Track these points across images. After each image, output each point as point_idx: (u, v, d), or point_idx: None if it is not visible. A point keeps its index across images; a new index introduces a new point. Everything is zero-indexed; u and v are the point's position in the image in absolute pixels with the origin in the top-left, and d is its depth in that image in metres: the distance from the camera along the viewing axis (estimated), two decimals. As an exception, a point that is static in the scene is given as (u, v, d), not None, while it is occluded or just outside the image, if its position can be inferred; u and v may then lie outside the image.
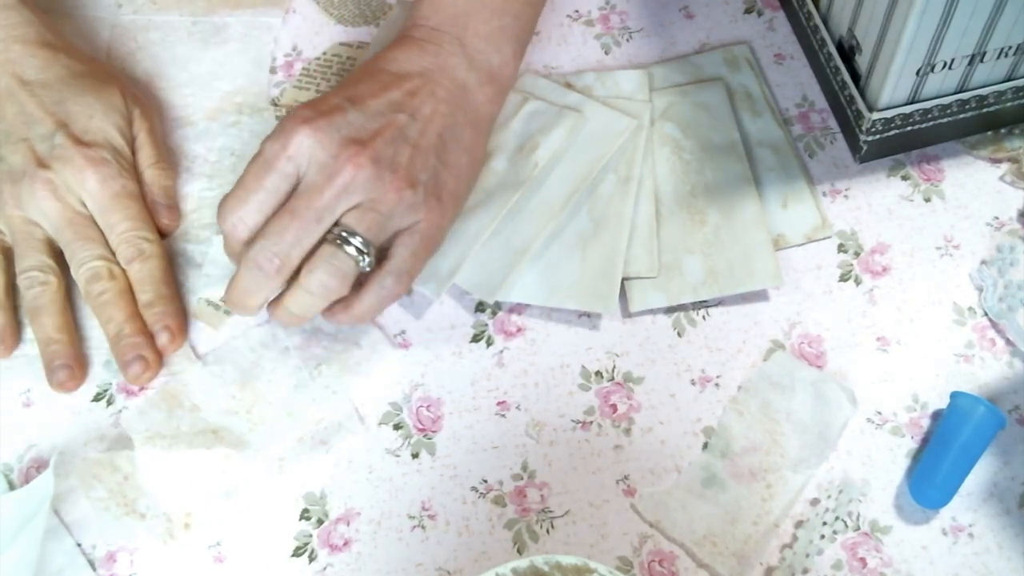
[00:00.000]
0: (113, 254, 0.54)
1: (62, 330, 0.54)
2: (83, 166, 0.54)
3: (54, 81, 0.56)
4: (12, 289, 0.55)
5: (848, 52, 0.56)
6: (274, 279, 0.48)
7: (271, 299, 0.50)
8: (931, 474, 0.48)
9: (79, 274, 0.54)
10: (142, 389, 0.54)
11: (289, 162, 0.48)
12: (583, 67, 0.63)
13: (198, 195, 0.59)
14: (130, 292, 0.54)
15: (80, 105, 0.56)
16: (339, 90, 0.51)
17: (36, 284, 0.54)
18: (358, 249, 0.48)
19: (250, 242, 0.48)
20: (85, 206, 0.54)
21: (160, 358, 0.54)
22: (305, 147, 0.48)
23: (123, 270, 0.54)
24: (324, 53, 0.65)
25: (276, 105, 0.62)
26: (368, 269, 0.49)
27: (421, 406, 0.53)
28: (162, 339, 0.54)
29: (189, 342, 0.55)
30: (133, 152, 0.57)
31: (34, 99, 0.55)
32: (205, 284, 0.56)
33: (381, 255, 0.50)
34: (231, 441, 0.51)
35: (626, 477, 0.50)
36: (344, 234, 0.48)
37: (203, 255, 0.57)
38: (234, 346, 0.55)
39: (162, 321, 0.54)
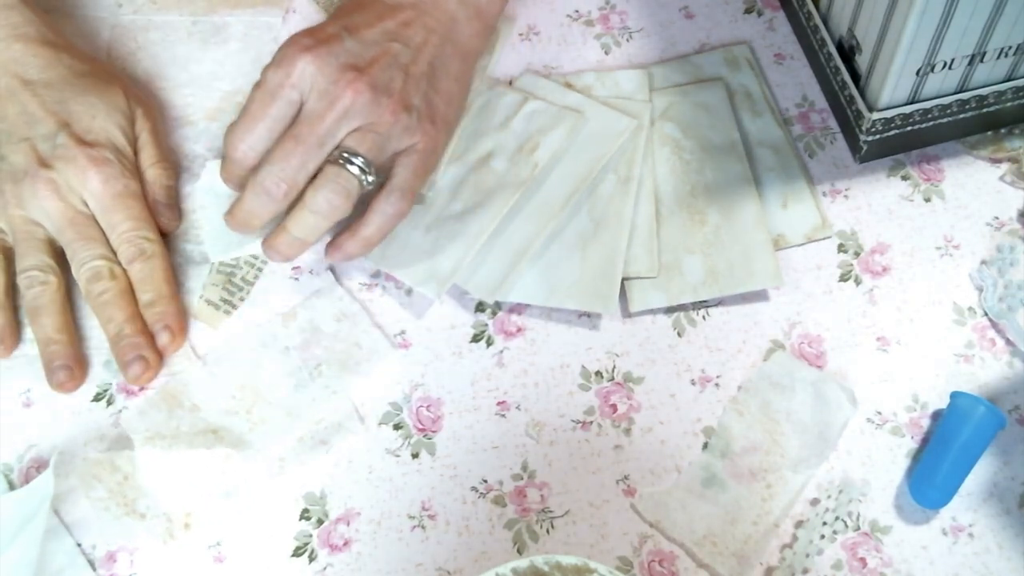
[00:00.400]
0: (114, 254, 0.55)
1: (62, 330, 0.54)
2: (86, 166, 0.54)
3: (56, 81, 0.56)
4: (12, 289, 0.55)
5: (848, 52, 0.56)
6: (281, 203, 0.51)
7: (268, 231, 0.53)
8: (931, 474, 0.48)
9: (80, 273, 0.54)
10: (142, 389, 0.54)
11: (292, 89, 0.50)
12: (583, 67, 0.63)
13: (198, 195, 0.59)
14: (131, 292, 0.54)
15: (83, 105, 0.56)
16: (335, 19, 0.53)
17: (36, 284, 0.54)
18: (361, 168, 0.51)
19: (256, 168, 0.51)
20: (87, 206, 0.54)
21: (160, 358, 0.54)
22: (307, 74, 0.50)
23: (124, 270, 0.54)
24: (324, 53, 0.64)
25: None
26: (370, 187, 0.52)
27: (421, 406, 0.53)
28: (163, 339, 0.54)
29: (189, 342, 0.55)
30: (135, 152, 0.57)
31: (36, 99, 0.55)
32: (201, 208, 0.57)
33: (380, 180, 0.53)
34: (231, 441, 0.51)
35: (626, 477, 0.50)
36: (347, 155, 0.51)
37: (203, 255, 0.57)
38: (234, 346, 0.55)
39: (163, 321, 0.54)
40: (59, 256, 0.55)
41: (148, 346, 0.53)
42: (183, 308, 0.55)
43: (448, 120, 0.55)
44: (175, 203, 0.58)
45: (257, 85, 0.51)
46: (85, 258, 0.54)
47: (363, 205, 0.52)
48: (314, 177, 0.51)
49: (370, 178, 0.51)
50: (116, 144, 0.56)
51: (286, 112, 0.51)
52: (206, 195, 0.57)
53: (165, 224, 0.57)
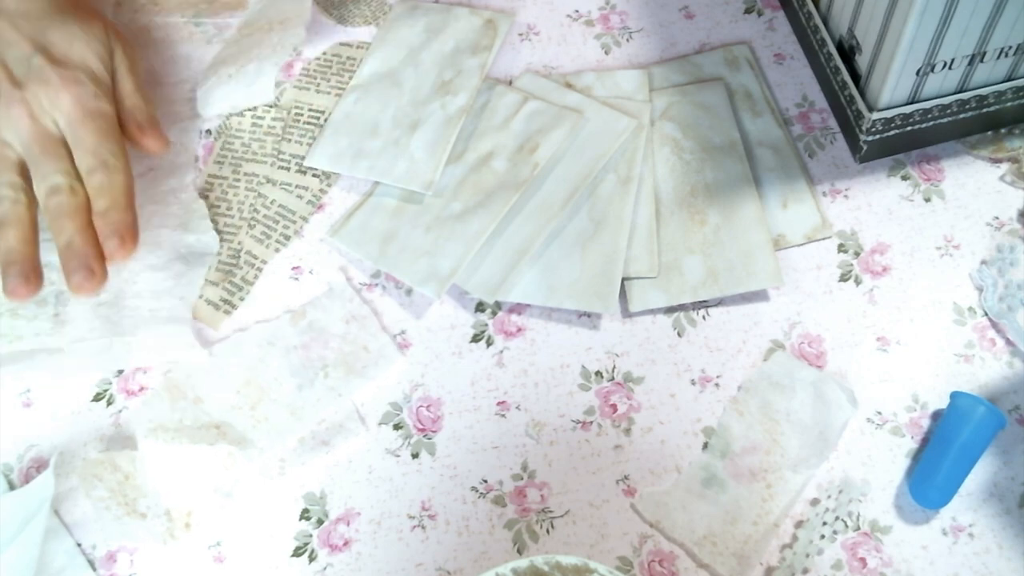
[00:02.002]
0: (78, 177, 0.53)
1: (24, 241, 0.52)
2: (59, 86, 0.53)
3: (34, 12, 0.55)
4: None
5: (848, 52, 0.56)
6: None
7: None
8: (931, 474, 0.48)
9: (40, 189, 0.53)
10: (142, 389, 0.54)
11: None
12: (583, 67, 0.63)
13: (197, 187, 0.59)
14: (87, 209, 0.53)
15: (61, 33, 0.55)
16: None
17: (5, 201, 0.53)
18: None
19: None
20: (58, 128, 0.54)
21: (106, 270, 0.52)
22: None
23: (84, 189, 0.53)
24: (324, 53, 0.65)
25: (276, 106, 0.62)
26: None
27: (421, 406, 0.53)
28: (111, 245, 0.52)
29: (195, 332, 0.55)
30: (113, 83, 0.56)
31: (11, 26, 0.55)
32: None
33: None
34: (233, 438, 0.51)
35: (626, 477, 0.50)
36: None
37: (204, 252, 0.57)
38: (240, 340, 0.54)
39: (114, 228, 0.52)
40: (30, 181, 0.54)
41: (96, 256, 0.52)
42: (137, 222, 0.54)
43: None
44: (158, 126, 0.57)
45: None
46: (47, 172, 0.53)
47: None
48: None
49: None
50: (92, 69, 0.55)
51: None
52: None
53: (152, 146, 0.57)
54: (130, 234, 0.52)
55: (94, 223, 0.52)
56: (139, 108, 0.57)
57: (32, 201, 0.53)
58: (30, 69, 0.54)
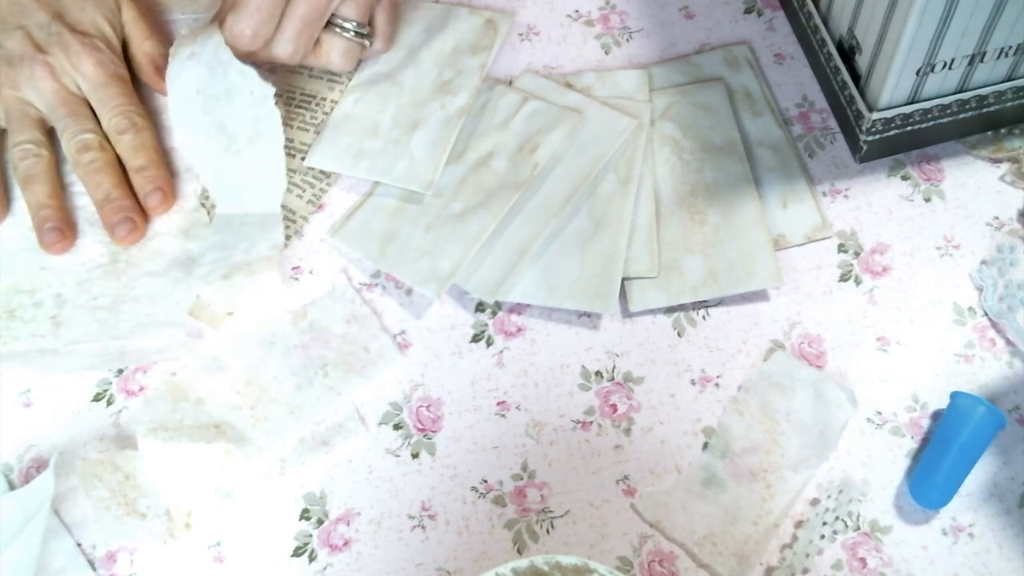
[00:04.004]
0: (104, 135, 0.57)
1: (53, 196, 0.56)
2: (80, 51, 0.57)
3: None
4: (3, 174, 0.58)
5: (848, 52, 0.56)
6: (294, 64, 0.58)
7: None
8: (931, 474, 0.48)
9: (70, 146, 0.56)
10: (142, 389, 0.54)
11: None
12: (583, 67, 0.63)
13: (198, 195, 0.59)
14: (119, 164, 0.57)
15: None
16: None
17: (30, 156, 0.56)
18: (358, 33, 0.57)
19: (267, 44, 0.56)
20: (80, 89, 0.57)
21: (147, 222, 0.57)
22: None
23: (112, 146, 0.57)
24: (324, 53, 0.64)
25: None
26: (369, 46, 0.59)
27: (421, 406, 0.53)
28: (154, 200, 0.57)
29: (193, 333, 0.55)
30: (122, 41, 0.60)
31: None
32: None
33: None
34: (232, 436, 0.51)
35: (626, 477, 0.50)
36: (344, 24, 0.57)
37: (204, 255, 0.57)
38: (242, 341, 0.54)
39: (154, 183, 0.57)
40: (50, 136, 0.58)
41: (135, 209, 0.56)
42: (173, 176, 0.58)
43: None
44: None
45: None
46: (76, 131, 0.56)
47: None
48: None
49: (369, 40, 0.58)
50: (105, 34, 0.59)
51: None
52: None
53: (164, 88, 0.59)
54: (170, 188, 0.58)
55: (132, 180, 0.57)
56: (155, 51, 0.60)
57: (53, 156, 0.58)
58: (50, 35, 0.57)
